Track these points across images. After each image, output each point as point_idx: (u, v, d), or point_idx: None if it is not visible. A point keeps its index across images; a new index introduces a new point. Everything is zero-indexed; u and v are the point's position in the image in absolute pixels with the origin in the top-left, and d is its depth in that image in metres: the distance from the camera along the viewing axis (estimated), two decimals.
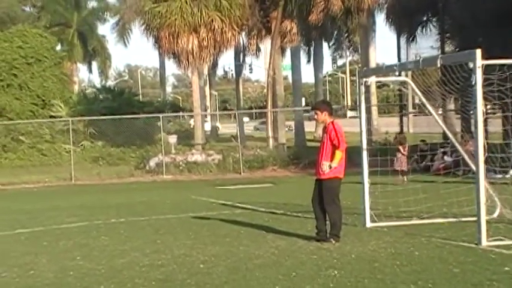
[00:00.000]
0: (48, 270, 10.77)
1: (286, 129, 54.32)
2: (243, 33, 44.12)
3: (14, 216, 18.99)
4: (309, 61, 59.15)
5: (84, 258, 11.72)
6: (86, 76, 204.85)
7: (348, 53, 69.20)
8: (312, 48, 58.09)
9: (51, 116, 43.53)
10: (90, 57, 71.75)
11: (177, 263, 10.84)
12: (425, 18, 39.64)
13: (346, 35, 57.90)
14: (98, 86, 62.05)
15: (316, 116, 12.49)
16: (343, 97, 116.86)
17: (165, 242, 13.12)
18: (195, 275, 9.93)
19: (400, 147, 24.22)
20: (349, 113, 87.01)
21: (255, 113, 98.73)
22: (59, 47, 58.22)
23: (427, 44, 39.66)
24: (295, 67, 47.94)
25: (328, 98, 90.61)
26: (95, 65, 75.00)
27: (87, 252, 12.27)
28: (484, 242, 11.34)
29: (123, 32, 66.98)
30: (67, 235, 14.68)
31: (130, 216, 17.58)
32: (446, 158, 27.04)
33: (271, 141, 39.65)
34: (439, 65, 12.56)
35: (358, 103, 14.89)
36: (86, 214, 18.60)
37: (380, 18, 65.24)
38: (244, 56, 58.66)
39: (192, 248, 12.23)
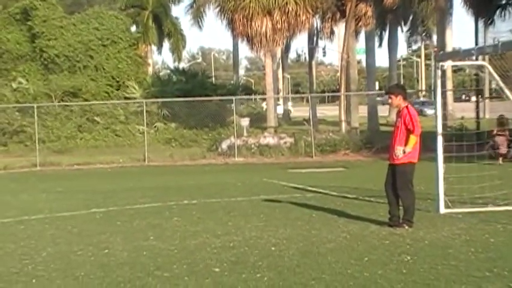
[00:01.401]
0: (122, 249, 10.96)
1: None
2: (317, 16, 43.91)
3: (89, 195, 19.35)
4: (380, 45, 58.59)
5: (157, 238, 11.88)
6: (159, 58, 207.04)
7: (422, 37, 68.24)
8: (386, 32, 57.53)
9: (125, 98, 44.07)
10: (163, 39, 72.27)
11: (248, 245, 10.90)
12: (504, 1, 38.78)
13: (421, 19, 57.13)
14: (172, 68, 62.48)
15: (390, 100, 12.38)
16: (418, 81, 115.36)
17: (236, 224, 13.20)
18: (266, 257, 9.98)
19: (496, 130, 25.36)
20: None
21: (328, 96, 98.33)
22: (133, 29, 58.87)
23: (505, 27, 38.83)
24: (370, 51, 47.52)
25: (402, 82, 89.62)
26: (165, 47, 75.40)
27: (160, 233, 12.44)
28: None
29: (197, 15, 67.26)
30: (140, 215, 14.90)
31: (203, 198, 17.73)
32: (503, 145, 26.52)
33: (343, 125, 39.42)
34: None
35: (433, 87, 14.70)
36: (159, 195, 18.83)
37: (457, 1, 64.20)
38: (317, 39, 58.40)
39: (264, 230, 12.29)
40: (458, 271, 8.80)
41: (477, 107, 37.13)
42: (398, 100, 12.20)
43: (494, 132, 25.77)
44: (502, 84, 14.20)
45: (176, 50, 71.97)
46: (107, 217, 14.91)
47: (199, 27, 67.03)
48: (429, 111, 49.92)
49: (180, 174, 26.30)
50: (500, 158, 25.01)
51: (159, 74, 61.09)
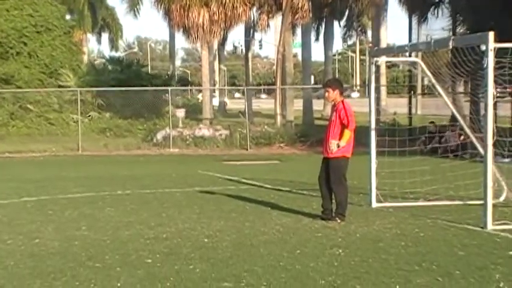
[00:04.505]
0: (54, 239, 10.82)
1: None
2: (254, 9, 43.96)
3: (21, 184, 19.04)
4: (317, 39, 58.83)
5: (89, 228, 11.76)
6: (95, 47, 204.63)
7: (358, 32, 68.83)
8: (322, 26, 57.82)
9: (59, 86, 43.46)
10: (100, 28, 71.56)
11: (181, 237, 10.87)
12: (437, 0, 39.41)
13: (357, 14, 57.57)
14: (107, 57, 61.92)
15: (327, 94, 12.40)
16: (352, 76, 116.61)
17: (170, 215, 13.16)
18: (199, 249, 9.96)
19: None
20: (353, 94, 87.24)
21: (263, 89, 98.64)
22: (68, 17, 58.03)
23: (438, 25, 39.45)
24: (305, 44, 47.75)
25: (337, 77, 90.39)
26: (104, 36, 74.80)
27: (93, 223, 12.31)
28: (490, 226, 11.34)
29: (133, 3, 66.77)
30: (73, 205, 14.73)
31: (136, 189, 17.63)
32: (454, 141, 26.95)
33: (279, 118, 39.56)
34: (451, 47, 12.49)
35: (367, 83, 14.87)
36: (92, 185, 18.65)
37: None
38: (254, 31, 58.41)
39: (197, 222, 12.27)
40: (388, 264, 8.91)
41: (410, 102, 37.62)
42: (335, 94, 12.24)
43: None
44: (434, 81, 14.43)
45: (113, 39, 71.31)
46: (38, 206, 14.70)
47: (135, 15, 66.60)
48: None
49: (114, 164, 26.10)
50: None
51: (94, 62, 60.42)
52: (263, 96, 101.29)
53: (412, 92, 41.85)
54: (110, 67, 49.35)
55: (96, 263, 9.17)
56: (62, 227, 11.92)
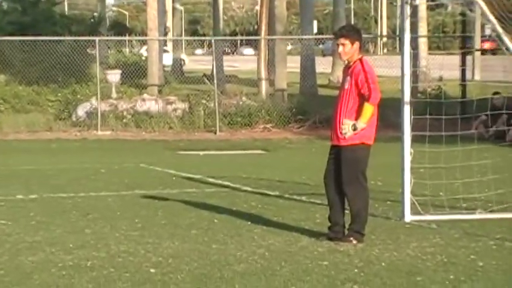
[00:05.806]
0: None
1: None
2: None
3: None
4: None
5: None
6: None
7: None
8: None
9: None
10: None
11: (115, 266, 10.86)
12: None
13: None
14: None
15: (341, 48, 12.25)
16: (376, 22, 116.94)
17: (97, 232, 13.19)
18: (142, 284, 9.96)
19: None
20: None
21: (241, 40, 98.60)
22: None
23: None
24: None
25: (353, 23, 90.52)
26: None
27: None
28: None
29: None
30: None
31: (46, 192, 17.66)
32: None
33: (264, 85, 39.57)
34: None
35: (399, 32, 14.89)
36: None
37: None
38: None
39: (139, 243, 12.28)
40: None
41: (463, 63, 37.69)
42: (353, 49, 12.13)
43: None
44: (500, 30, 14.44)
45: None
46: None
47: None
48: None
49: (11, 154, 26.08)
50: None
51: None
52: (198, 51, 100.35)
53: (467, 46, 41.91)
54: (4, 5, 49.22)
55: None
56: None
